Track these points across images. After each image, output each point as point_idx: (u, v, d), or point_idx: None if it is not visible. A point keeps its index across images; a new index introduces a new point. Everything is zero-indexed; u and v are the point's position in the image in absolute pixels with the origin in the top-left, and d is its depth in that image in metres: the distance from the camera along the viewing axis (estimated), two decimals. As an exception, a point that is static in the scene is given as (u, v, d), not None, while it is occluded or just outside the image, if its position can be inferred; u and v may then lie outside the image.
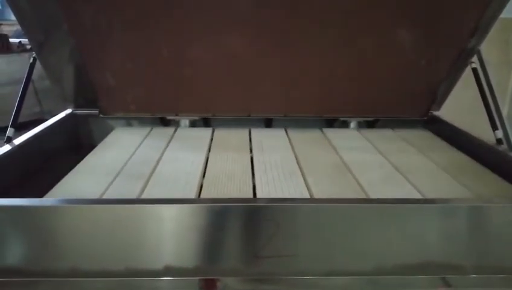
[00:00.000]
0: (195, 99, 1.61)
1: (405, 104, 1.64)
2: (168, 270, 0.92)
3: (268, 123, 1.75)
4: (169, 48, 1.44)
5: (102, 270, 0.91)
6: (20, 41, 4.45)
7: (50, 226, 0.91)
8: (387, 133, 1.67)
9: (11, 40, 4.48)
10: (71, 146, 1.61)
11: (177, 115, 1.65)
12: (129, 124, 1.72)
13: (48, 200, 1.04)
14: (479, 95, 1.46)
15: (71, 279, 0.91)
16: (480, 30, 1.37)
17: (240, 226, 0.92)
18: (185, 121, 1.70)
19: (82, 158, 1.36)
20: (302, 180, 1.19)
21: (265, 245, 0.91)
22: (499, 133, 1.35)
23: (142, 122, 1.70)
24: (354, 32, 1.44)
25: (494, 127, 1.37)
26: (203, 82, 1.55)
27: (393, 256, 0.96)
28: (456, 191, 1.16)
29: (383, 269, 0.96)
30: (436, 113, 1.70)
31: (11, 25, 5.09)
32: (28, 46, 4.30)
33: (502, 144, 1.34)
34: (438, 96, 1.62)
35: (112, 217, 0.91)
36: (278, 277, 0.93)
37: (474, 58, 1.49)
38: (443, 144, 1.52)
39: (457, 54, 1.44)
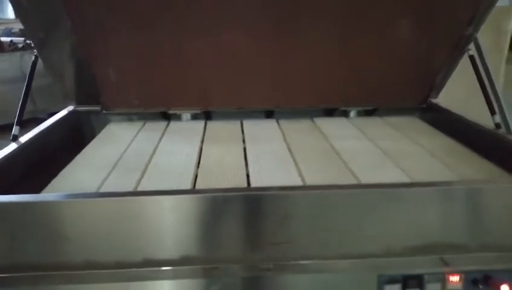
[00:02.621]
0: (194, 93, 1.62)
1: (404, 93, 1.66)
2: (171, 260, 0.94)
3: (267, 115, 1.77)
4: (170, 43, 1.45)
5: (101, 262, 0.92)
6: (11, 40, 4.41)
7: (49, 221, 0.92)
8: (377, 121, 1.70)
9: (1, 39, 4.44)
10: (74, 143, 1.61)
11: (177, 108, 1.66)
12: (130, 120, 1.72)
13: (45, 195, 1.06)
14: (476, 81, 1.49)
15: (72, 272, 0.92)
16: (477, 18, 1.40)
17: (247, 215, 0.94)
18: (186, 115, 1.71)
19: None
20: (295, 169, 1.21)
21: (272, 232, 0.94)
22: (497, 118, 1.39)
23: (144, 117, 1.71)
24: (352, 22, 1.46)
25: (493, 112, 1.41)
26: (202, 76, 1.56)
27: (390, 238, 0.99)
28: (443, 174, 1.19)
29: (380, 251, 0.99)
30: (434, 100, 1.73)
31: (-1, 24, 5.04)
32: (20, 45, 4.26)
33: (501, 128, 1.37)
34: (436, 84, 1.65)
35: (117, 209, 0.92)
36: (281, 263, 0.96)
37: (471, 46, 1.52)
38: (432, 130, 1.56)
39: (455, 42, 1.47)
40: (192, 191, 1.07)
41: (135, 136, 1.52)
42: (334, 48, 1.53)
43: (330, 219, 0.96)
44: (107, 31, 1.36)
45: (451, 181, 1.10)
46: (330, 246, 0.98)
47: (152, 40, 1.41)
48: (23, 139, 1.29)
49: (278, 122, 1.69)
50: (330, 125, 1.62)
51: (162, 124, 1.65)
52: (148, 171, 1.21)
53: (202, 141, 1.47)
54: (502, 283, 1.05)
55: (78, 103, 1.63)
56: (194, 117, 1.72)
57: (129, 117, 1.72)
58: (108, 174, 1.20)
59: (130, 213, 0.92)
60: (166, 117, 1.72)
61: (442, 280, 1.04)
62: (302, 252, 0.97)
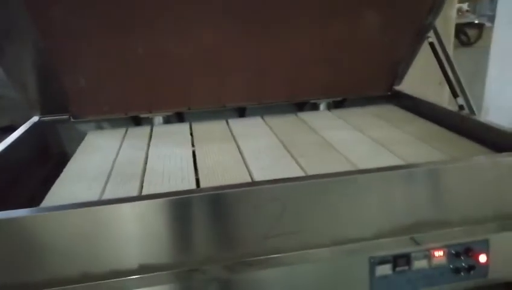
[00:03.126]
0: (169, 94, 1.60)
1: (370, 82, 1.73)
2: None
3: (241, 113, 1.77)
4: (141, 44, 1.41)
5: (66, 277, 0.89)
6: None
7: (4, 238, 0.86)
8: (358, 110, 1.75)
9: None
10: (42, 155, 1.55)
11: (151, 112, 1.63)
12: (100, 127, 1.67)
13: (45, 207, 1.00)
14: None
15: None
16: (435, 7, 1.47)
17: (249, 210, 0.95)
18: (158, 118, 1.68)
19: (54, 166, 1.31)
20: (294, 162, 1.23)
21: (273, 225, 0.95)
22: (460, 100, 1.47)
23: (114, 123, 1.67)
24: (320, 17, 1.49)
25: (455, 95, 1.49)
26: (176, 77, 1.54)
27: (379, 222, 1.03)
28: (435, 156, 1.25)
29: (371, 235, 1.03)
30: (397, 87, 1.81)
31: None
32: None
33: (464, 109, 1.46)
34: (399, 72, 1.72)
35: (85, 220, 0.88)
36: (287, 254, 0.98)
37: (430, 33, 1.60)
38: (410, 116, 1.63)
39: (416, 30, 1.54)
40: (202, 189, 1.03)
41: (121, 144, 1.47)
42: (303, 43, 1.56)
43: (321, 207, 0.99)
44: (77, 35, 1.31)
45: (432, 162, 1.15)
46: (323, 234, 1.00)
47: (122, 42, 1.38)
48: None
49: (262, 118, 1.70)
50: (316, 119, 1.64)
51: (145, 129, 1.61)
52: (146, 179, 1.17)
53: (193, 143, 1.45)
54: (480, 253, 1.12)
55: (43, 112, 1.56)
56: (167, 121, 1.69)
57: (98, 125, 1.67)
58: (105, 185, 1.15)
59: (101, 222, 0.89)
60: (138, 122, 1.69)
61: (428, 256, 1.09)
62: (296, 242, 0.99)
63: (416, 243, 1.05)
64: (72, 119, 1.55)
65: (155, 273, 0.92)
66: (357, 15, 1.48)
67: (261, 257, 0.97)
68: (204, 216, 0.93)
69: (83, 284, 0.89)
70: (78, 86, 1.43)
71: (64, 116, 1.56)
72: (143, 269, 0.91)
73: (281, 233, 0.97)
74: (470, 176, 1.07)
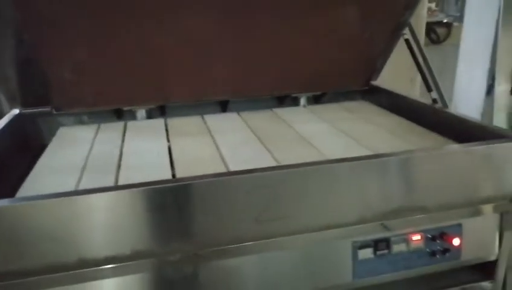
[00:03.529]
0: (151, 87, 1.60)
1: (349, 76, 1.79)
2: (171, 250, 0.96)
3: (224, 106, 1.80)
4: (124, 37, 1.42)
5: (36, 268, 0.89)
6: None
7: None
8: (333, 106, 1.81)
9: None
10: (22, 148, 1.53)
11: (133, 105, 1.64)
12: (81, 121, 1.66)
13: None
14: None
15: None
16: (411, 4, 1.54)
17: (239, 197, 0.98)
18: (141, 112, 1.68)
19: (35, 159, 1.30)
20: (270, 156, 1.26)
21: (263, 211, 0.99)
22: (434, 94, 1.55)
23: (95, 117, 1.66)
24: (301, 12, 1.53)
25: (429, 89, 1.57)
26: (158, 70, 1.55)
27: (361, 208, 1.08)
28: (405, 148, 1.30)
29: (353, 220, 1.08)
30: (374, 83, 1.88)
31: None
32: None
33: (437, 103, 1.53)
34: (376, 67, 1.79)
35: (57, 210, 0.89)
36: (279, 238, 1.02)
37: (406, 30, 1.67)
38: (383, 111, 1.70)
39: (393, 27, 1.61)
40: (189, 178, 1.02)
41: (94, 138, 1.47)
42: (283, 38, 1.59)
43: (306, 194, 1.03)
44: (59, 26, 1.30)
45: (409, 150, 1.21)
46: (308, 220, 1.04)
47: (107, 36, 1.38)
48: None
49: (238, 114, 1.73)
50: (289, 114, 1.69)
51: (119, 124, 1.61)
52: (122, 173, 1.18)
53: (168, 138, 1.46)
54: (454, 237, 1.20)
55: (24, 105, 1.54)
56: (149, 114, 1.69)
57: (80, 118, 1.66)
58: (80, 178, 1.15)
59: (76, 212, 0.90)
60: (120, 115, 1.68)
61: (406, 240, 1.16)
62: (283, 228, 1.02)
63: (387, 228, 1.11)
64: (54, 112, 1.54)
65: (128, 263, 0.93)
66: (337, 11, 1.53)
67: (246, 243, 1.01)
68: (185, 205, 0.95)
69: (55, 274, 0.90)
70: (60, 78, 1.42)
71: (45, 109, 1.55)
72: (115, 258, 0.93)
73: (268, 219, 1.00)
74: (443, 164, 1.13)
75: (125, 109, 1.65)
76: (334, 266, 1.12)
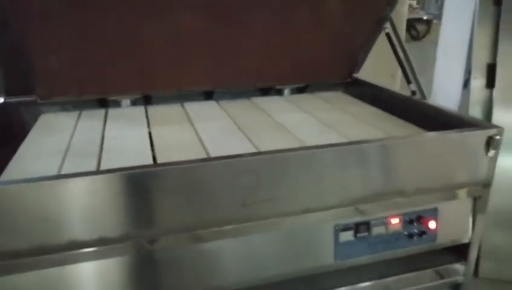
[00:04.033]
0: (135, 77, 1.61)
1: (331, 69, 1.83)
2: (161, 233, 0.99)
3: (208, 97, 1.82)
4: (109, 27, 1.43)
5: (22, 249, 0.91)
6: None
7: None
8: (311, 96, 1.85)
9: None
10: (7, 137, 1.52)
11: (118, 95, 1.65)
12: (65, 110, 1.66)
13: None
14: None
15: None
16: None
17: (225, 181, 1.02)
18: (126, 102, 1.69)
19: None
20: (249, 143, 1.29)
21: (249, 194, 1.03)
22: (413, 86, 1.60)
23: (80, 106, 1.66)
24: (284, 6, 1.56)
25: (409, 82, 1.62)
26: (141, 60, 1.56)
27: (343, 192, 1.13)
28: (378, 134, 1.36)
29: (335, 204, 1.12)
30: (356, 75, 1.93)
31: None
32: None
33: (416, 94, 1.59)
34: (358, 60, 1.84)
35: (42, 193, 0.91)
36: (264, 221, 1.06)
37: (387, 24, 1.72)
38: (361, 102, 1.75)
39: (375, 20, 1.66)
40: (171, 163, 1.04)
41: (75, 125, 1.48)
42: (266, 30, 1.63)
43: (291, 179, 1.07)
44: (45, 14, 1.30)
45: (387, 137, 1.27)
46: (293, 203, 1.09)
47: (93, 24, 1.39)
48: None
49: (217, 103, 1.76)
50: (268, 103, 1.73)
51: (100, 112, 1.62)
52: (104, 158, 1.19)
53: (148, 125, 1.48)
54: (430, 220, 1.26)
55: (9, 94, 1.53)
56: (134, 104, 1.71)
57: (64, 107, 1.66)
58: (62, 162, 1.16)
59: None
60: (104, 105, 1.69)
61: (386, 223, 1.21)
62: (268, 211, 1.06)
63: (361, 212, 1.16)
64: (38, 101, 1.54)
65: (111, 246, 0.96)
66: (320, 5, 1.57)
67: (232, 226, 1.04)
68: (172, 190, 0.98)
69: (35, 258, 0.92)
70: (45, 67, 1.42)
71: (30, 98, 1.54)
72: (101, 241, 0.95)
73: (254, 202, 1.04)
74: (420, 150, 1.19)
75: (109, 99, 1.66)
76: (317, 248, 1.16)
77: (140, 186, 0.96)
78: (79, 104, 1.65)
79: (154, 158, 1.19)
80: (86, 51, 1.47)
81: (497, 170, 1.25)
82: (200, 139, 1.33)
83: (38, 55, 1.41)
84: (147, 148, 1.26)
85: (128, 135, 1.36)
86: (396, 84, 3.11)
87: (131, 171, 0.95)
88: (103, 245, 0.95)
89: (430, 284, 1.34)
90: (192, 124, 1.48)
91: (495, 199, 1.47)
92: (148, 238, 0.99)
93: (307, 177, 1.08)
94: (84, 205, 0.93)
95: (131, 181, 0.95)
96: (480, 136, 1.21)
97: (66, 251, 0.93)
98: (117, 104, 1.68)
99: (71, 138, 1.35)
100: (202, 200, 1.01)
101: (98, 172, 1.03)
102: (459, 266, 1.36)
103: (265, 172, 1.03)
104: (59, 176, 1.00)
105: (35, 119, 1.57)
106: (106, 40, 1.45)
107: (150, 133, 1.39)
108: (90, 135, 1.38)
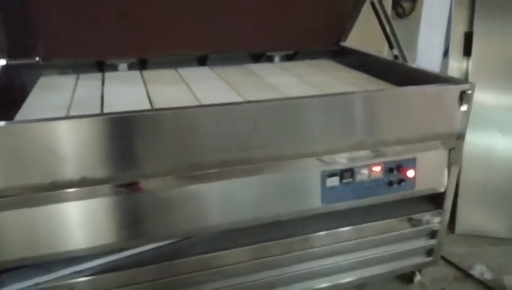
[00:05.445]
0: (131, 41, 1.67)
1: (319, 36, 1.92)
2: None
3: (202, 62, 1.90)
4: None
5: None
6: None
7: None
8: (300, 63, 1.95)
9: None
10: (8, 98, 1.58)
11: (115, 58, 1.72)
12: (64, 73, 1.73)
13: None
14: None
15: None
16: (377, -33, 1.69)
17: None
18: (122, 65, 1.76)
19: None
20: (241, 98, 1.37)
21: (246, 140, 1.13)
22: (395, 51, 1.71)
23: (78, 69, 1.72)
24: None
25: (391, 46, 1.73)
26: (138, 25, 1.63)
27: (329, 140, 1.24)
28: None
29: (323, 151, 1.23)
30: (343, 43, 2.03)
31: None
32: None
33: (398, 58, 1.70)
34: (345, 29, 1.94)
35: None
36: (258, 165, 1.16)
37: (371, -7, 1.81)
38: (346, 68, 1.85)
39: (360, -11, 1.75)
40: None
41: (75, 84, 1.55)
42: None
43: (284, 125, 1.17)
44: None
45: (370, 90, 1.39)
46: (284, 149, 1.19)
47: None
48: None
49: (210, 68, 1.83)
50: (259, 68, 1.81)
51: (97, 75, 1.68)
52: (106, 110, 1.26)
53: (145, 84, 1.55)
54: (409, 169, 1.37)
55: (10, 56, 1.59)
56: (130, 67, 1.78)
57: (63, 71, 1.72)
58: (67, 115, 1.23)
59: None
60: (102, 68, 1.76)
61: (368, 170, 1.33)
62: (261, 155, 1.17)
63: (325, 163, 1.26)
64: (40, 62, 1.60)
65: (102, 186, 1.05)
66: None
67: (230, 168, 1.15)
68: (174, 133, 1.08)
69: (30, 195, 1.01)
70: (46, 29, 1.48)
71: (32, 60, 1.60)
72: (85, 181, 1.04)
73: (251, 147, 1.14)
74: (400, 103, 1.30)
75: (107, 62, 1.73)
76: (306, 192, 1.27)
77: (145, 129, 1.05)
78: (78, 68, 1.71)
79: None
80: (85, 13, 1.53)
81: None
82: (194, 95, 1.41)
83: (39, 17, 1.46)
84: (146, 103, 1.33)
85: (126, 93, 1.44)
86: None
87: (140, 114, 1.05)
88: (95, 185, 1.05)
89: (409, 230, 1.47)
90: (187, 84, 1.55)
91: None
92: (151, 176, 1.09)
93: (296, 125, 1.18)
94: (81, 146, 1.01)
95: (139, 124, 1.05)
96: (454, 90, 1.32)
97: (56, 189, 1.02)
98: (114, 68, 1.75)
99: (72, 95, 1.42)
100: (201, 143, 1.10)
101: (104, 114, 1.10)
102: (435, 214, 1.49)
103: (259, 119, 1.13)
104: (53, 119, 1.05)
105: (35, 82, 1.63)
106: (105, 3, 1.51)
107: (147, 91, 1.46)
108: (90, 92, 1.45)
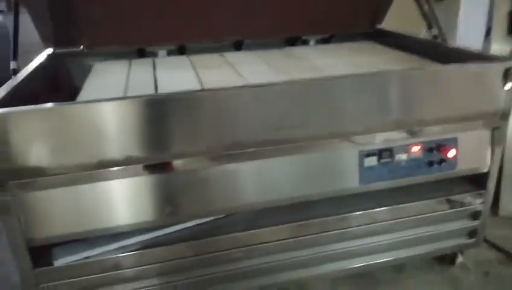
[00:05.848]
0: (170, 29, 1.72)
1: (355, 19, 1.90)
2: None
3: (238, 47, 1.92)
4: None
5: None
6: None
7: None
8: (339, 45, 1.92)
9: None
10: (54, 86, 1.66)
11: (154, 45, 1.77)
12: (107, 60, 1.79)
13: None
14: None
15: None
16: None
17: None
18: (162, 52, 1.81)
19: (67, 98, 1.42)
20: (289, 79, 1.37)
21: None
22: (435, 31, 1.66)
23: (121, 57, 1.79)
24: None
25: (430, 27, 1.68)
26: (176, 13, 1.67)
27: (368, 119, 1.23)
28: None
29: (361, 131, 1.23)
30: (379, 26, 1.99)
31: None
32: None
33: (438, 39, 1.65)
34: (380, 11, 1.90)
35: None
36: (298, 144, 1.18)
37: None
38: (387, 49, 1.81)
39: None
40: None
41: (129, 69, 1.61)
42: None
43: (322, 105, 1.18)
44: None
45: (408, 68, 1.36)
46: (321, 129, 1.20)
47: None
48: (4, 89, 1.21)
49: (252, 52, 1.84)
50: (299, 51, 1.82)
51: (147, 60, 1.74)
52: (160, 91, 1.31)
53: (194, 68, 1.58)
54: (450, 149, 1.34)
55: (57, 44, 1.67)
56: (169, 53, 1.82)
57: (105, 58, 1.79)
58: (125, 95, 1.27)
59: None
60: (143, 55, 1.81)
61: (407, 150, 1.31)
62: (297, 135, 1.18)
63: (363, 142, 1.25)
64: (85, 50, 1.67)
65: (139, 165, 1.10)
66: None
67: (269, 147, 1.17)
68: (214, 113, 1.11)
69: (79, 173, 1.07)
70: (91, 17, 1.55)
71: (76, 49, 1.67)
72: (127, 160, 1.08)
73: (288, 126, 1.15)
74: (439, 81, 1.27)
75: (147, 49, 1.78)
76: (344, 172, 1.27)
77: (187, 110, 1.09)
78: (120, 55, 1.78)
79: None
80: (126, 2, 1.58)
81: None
82: (242, 77, 1.42)
83: (83, 7, 1.53)
84: (198, 85, 1.37)
85: (178, 76, 1.48)
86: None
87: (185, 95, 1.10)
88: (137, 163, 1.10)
89: (449, 211, 1.44)
90: (233, 67, 1.58)
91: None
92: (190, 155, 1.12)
93: (334, 104, 1.18)
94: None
95: (185, 104, 1.09)
96: (498, 68, 1.27)
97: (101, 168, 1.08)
98: (154, 54, 1.81)
99: (127, 78, 1.47)
100: (241, 123, 1.13)
101: (146, 96, 1.14)
102: (477, 195, 1.45)
103: (296, 99, 1.14)
104: (97, 100, 1.09)
105: (80, 70, 1.70)
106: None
107: (197, 74, 1.50)
108: (144, 76, 1.49)
